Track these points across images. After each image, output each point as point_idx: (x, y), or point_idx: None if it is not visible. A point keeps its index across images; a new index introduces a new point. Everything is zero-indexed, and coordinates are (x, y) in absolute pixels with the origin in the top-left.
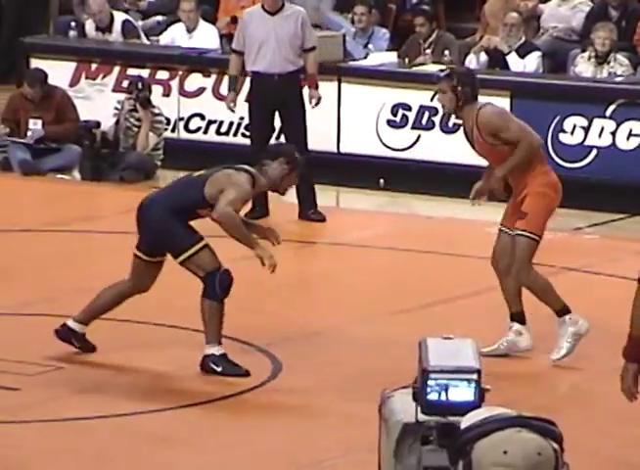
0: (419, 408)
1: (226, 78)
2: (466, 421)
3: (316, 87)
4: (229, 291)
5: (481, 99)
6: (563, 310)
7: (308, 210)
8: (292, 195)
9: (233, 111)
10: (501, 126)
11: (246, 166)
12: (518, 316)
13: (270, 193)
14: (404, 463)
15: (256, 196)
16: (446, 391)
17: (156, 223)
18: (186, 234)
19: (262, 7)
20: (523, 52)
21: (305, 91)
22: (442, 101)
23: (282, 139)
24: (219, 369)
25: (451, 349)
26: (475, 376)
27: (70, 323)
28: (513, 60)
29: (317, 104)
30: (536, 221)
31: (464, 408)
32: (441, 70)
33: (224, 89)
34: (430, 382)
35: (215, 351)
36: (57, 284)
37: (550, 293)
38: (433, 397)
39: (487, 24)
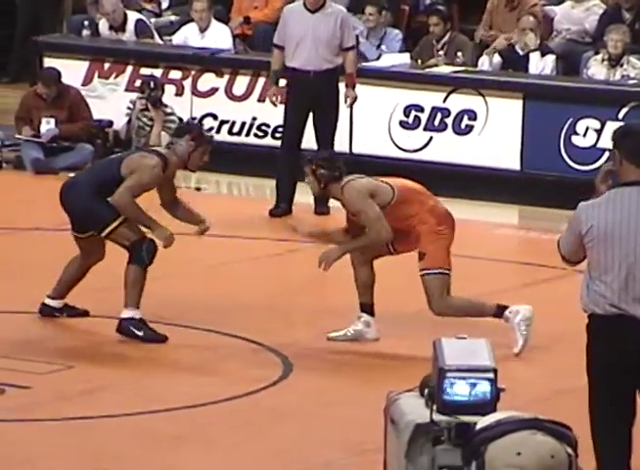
0: (434, 407)
1: (239, 78)
2: (482, 422)
3: (353, 87)
4: (153, 259)
5: (495, 102)
6: (499, 312)
7: (324, 205)
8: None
9: (275, 105)
10: (358, 209)
11: (159, 149)
12: (367, 307)
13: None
14: (416, 463)
15: (281, 193)
16: (462, 390)
17: (77, 203)
18: (106, 209)
19: (304, 4)
20: (541, 54)
21: (342, 90)
22: (308, 183)
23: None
24: (140, 333)
25: (466, 348)
26: (491, 375)
27: (47, 301)
28: (534, 60)
29: (352, 103)
30: (435, 259)
31: (480, 407)
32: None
33: (237, 89)
34: (446, 381)
35: (134, 314)
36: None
37: (475, 307)
38: (449, 396)
39: (491, 21)
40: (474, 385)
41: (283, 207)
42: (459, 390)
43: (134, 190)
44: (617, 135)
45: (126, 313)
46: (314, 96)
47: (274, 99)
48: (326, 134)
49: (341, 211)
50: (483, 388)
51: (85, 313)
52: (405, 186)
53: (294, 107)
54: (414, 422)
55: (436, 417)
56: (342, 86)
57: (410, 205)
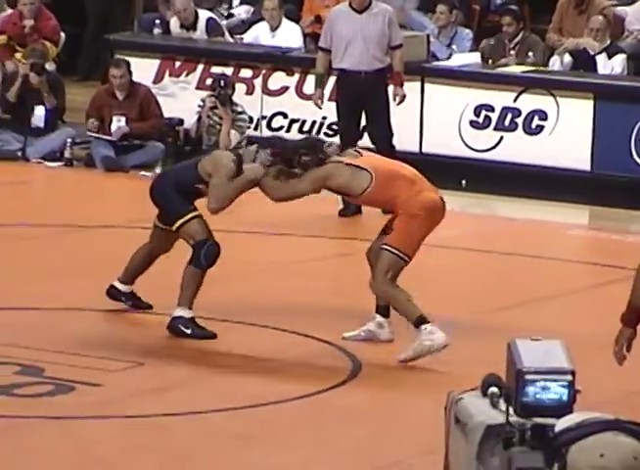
0: (510, 410)
1: (309, 77)
2: (561, 424)
3: (401, 85)
4: (213, 262)
5: (566, 102)
6: (418, 322)
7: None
8: None
9: (320, 107)
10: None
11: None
12: (381, 309)
13: None
14: (488, 465)
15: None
16: (541, 392)
17: (158, 196)
18: (180, 204)
19: (350, 5)
20: (609, 54)
21: (390, 89)
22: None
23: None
24: (188, 331)
25: (542, 350)
26: (569, 377)
27: (116, 283)
28: (601, 62)
29: (401, 102)
30: (399, 238)
31: (558, 409)
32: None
33: (307, 88)
34: (524, 383)
35: (185, 313)
36: (139, 280)
37: (405, 307)
38: (527, 398)
39: (560, 25)
40: (552, 387)
41: (352, 207)
42: (537, 392)
43: (219, 193)
44: None
45: (177, 312)
46: (365, 96)
47: (319, 102)
48: (382, 133)
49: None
50: (562, 390)
51: (149, 307)
52: (388, 173)
53: (346, 109)
54: (484, 423)
55: (513, 419)
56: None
57: (390, 190)
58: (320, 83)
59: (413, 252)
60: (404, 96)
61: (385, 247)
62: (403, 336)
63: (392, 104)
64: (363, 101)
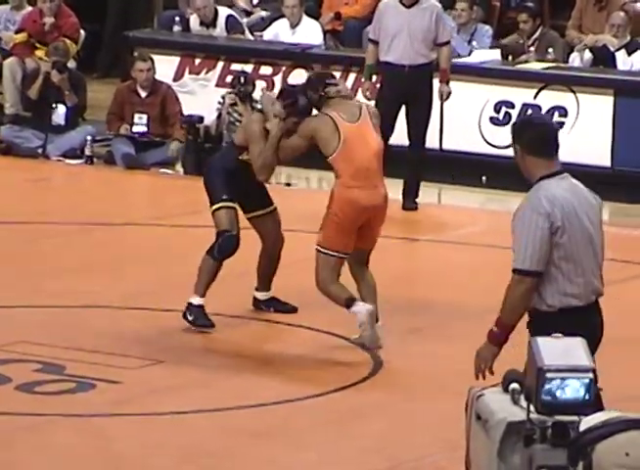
0: (531, 407)
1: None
2: (585, 423)
3: (447, 82)
4: (229, 255)
5: (586, 98)
6: (348, 304)
7: (412, 201)
8: (399, 189)
9: (369, 99)
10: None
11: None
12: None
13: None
14: (509, 462)
15: None
16: (562, 389)
17: (204, 181)
18: (218, 190)
19: None
20: (629, 51)
21: (436, 85)
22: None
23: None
24: (190, 318)
25: (562, 347)
26: (590, 375)
27: (257, 295)
28: (621, 58)
29: (446, 99)
30: (325, 236)
31: (579, 407)
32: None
33: None
34: (545, 381)
35: (195, 301)
36: (160, 278)
37: (340, 299)
38: (548, 395)
39: (580, 22)
40: (573, 385)
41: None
42: (558, 390)
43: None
44: (515, 129)
45: (189, 299)
46: (408, 91)
47: (367, 94)
48: (418, 130)
49: (430, 206)
50: (582, 387)
51: (294, 310)
52: (347, 155)
53: (387, 101)
54: (505, 420)
55: (534, 416)
56: (435, 82)
57: (338, 170)
58: (369, 75)
59: (342, 245)
60: (449, 93)
61: (315, 247)
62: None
63: (437, 102)
64: (406, 96)
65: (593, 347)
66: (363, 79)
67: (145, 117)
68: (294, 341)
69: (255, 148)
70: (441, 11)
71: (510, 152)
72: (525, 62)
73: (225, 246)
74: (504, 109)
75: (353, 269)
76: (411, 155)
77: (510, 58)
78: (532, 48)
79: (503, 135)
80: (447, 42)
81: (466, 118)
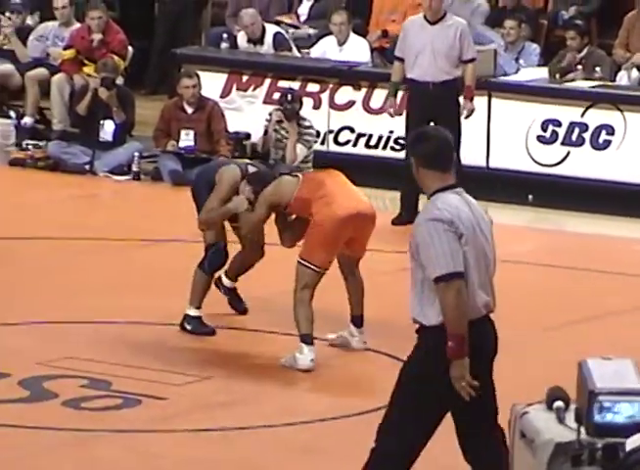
0: (582, 429)
1: (376, 92)
2: (631, 443)
3: (471, 99)
4: (217, 268)
5: (634, 117)
6: (302, 339)
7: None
8: None
9: (392, 116)
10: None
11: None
12: (354, 319)
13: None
14: None
15: (406, 201)
16: (614, 413)
17: (192, 192)
18: (203, 200)
19: (424, 16)
20: None
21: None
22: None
23: None
24: (189, 328)
25: (613, 369)
26: None
27: (224, 278)
28: None
29: (469, 116)
30: (308, 250)
31: (630, 429)
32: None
33: (374, 102)
34: (597, 404)
35: (191, 312)
36: (214, 298)
37: (300, 320)
38: (600, 418)
39: (627, 41)
40: (625, 408)
41: (405, 215)
42: (610, 413)
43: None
44: (410, 142)
45: (186, 311)
46: (433, 107)
47: (391, 111)
48: None
49: None
50: (635, 410)
51: (244, 312)
52: (314, 181)
53: (414, 118)
54: (553, 441)
55: (585, 438)
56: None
57: (308, 200)
58: (394, 92)
59: (322, 260)
60: (473, 110)
61: (298, 260)
62: None
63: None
64: (433, 112)
65: (485, 362)
66: (387, 96)
67: (191, 133)
68: (339, 358)
69: (214, 200)
70: (467, 28)
71: (558, 170)
72: (573, 80)
73: (214, 260)
74: (551, 127)
75: (343, 267)
76: None
77: (557, 76)
78: (579, 66)
79: (550, 153)
80: (472, 59)
81: (513, 137)
